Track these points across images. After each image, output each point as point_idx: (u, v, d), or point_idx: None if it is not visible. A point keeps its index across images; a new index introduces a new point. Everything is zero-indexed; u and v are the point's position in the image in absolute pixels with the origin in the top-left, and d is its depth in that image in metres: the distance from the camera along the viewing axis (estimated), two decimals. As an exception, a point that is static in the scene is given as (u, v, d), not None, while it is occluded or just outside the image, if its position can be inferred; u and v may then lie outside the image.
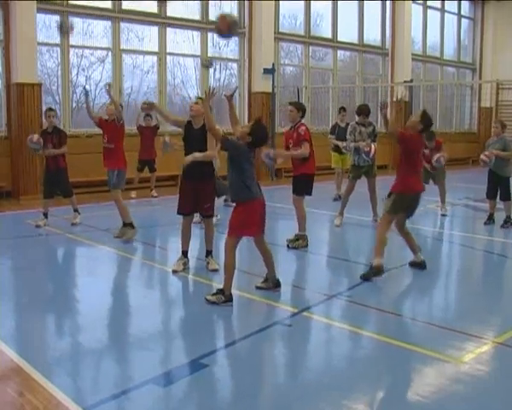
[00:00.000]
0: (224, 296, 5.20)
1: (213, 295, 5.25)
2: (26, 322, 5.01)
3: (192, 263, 6.54)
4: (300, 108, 7.42)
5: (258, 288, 5.63)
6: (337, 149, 11.58)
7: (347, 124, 11.55)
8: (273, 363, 4.21)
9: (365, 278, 5.96)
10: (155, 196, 11.89)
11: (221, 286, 5.29)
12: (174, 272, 6.28)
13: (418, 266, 6.41)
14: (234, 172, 5.27)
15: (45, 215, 8.69)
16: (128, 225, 7.83)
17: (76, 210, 8.95)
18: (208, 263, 6.38)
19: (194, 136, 6.18)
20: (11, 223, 9.43)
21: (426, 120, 6.15)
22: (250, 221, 5.26)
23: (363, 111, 9.11)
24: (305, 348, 4.49)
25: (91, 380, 3.83)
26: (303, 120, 7.45)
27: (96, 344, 4.48)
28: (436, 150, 9.62)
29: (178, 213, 6.40)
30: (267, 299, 5.41)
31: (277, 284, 5.63)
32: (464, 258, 7.69)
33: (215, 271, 6.25)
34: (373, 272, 5.93)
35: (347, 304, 5.41)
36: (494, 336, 4.61)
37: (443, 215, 9.89)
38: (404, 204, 6.12)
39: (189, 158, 5.98)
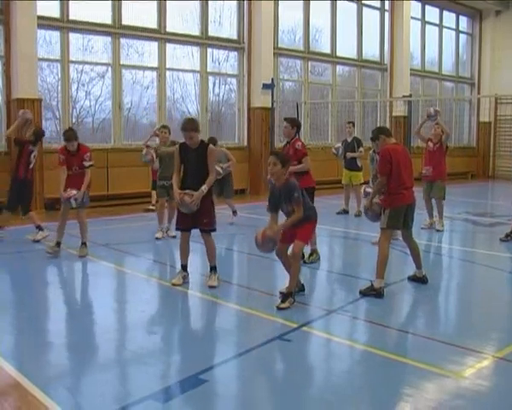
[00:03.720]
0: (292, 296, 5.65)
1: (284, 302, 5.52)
2: (25, 337, 4.99)
3: (192, 278, 6.52)
4: (295, 124, 7.43)
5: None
6: (347, 166, 11.85)
7: (354, 138, 11.77)
8: (273, 378, 4.19)
9: (364, 294, 5.95)
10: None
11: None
12: (174, 285, 6.29)
13: (419, 280, 6.40)
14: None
15: (39, 228, 8.66)
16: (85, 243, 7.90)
17: (38, 227, 8.75)
18: (208, 279, 6.35)
19: (193, 157, 6.18)
20: (11, 238, 9.41)
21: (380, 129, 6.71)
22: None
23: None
24: (305, 363, 4.47)
25: (90, 396, 3.80)
26: (298, 136, 7.49)
27: (95, 360, 4.47)
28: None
29: (177, 228, 6.50)
30: (266, 314, 5.39)
31: (301, 289, 5.95)
32: (464, 272, 7.68)
33: (213, 288, 6.22)
34: (374, 294, 5.90)
35: (347, 319, 5.40)
36: (494, 350, 4.60)
37: (437, 231, 9.79)
38: (399, 217, 6.10)
39: (198, 196, 6.03)
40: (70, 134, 7.84)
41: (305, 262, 7.26)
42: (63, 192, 7.68)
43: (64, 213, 7.87)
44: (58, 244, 7.84)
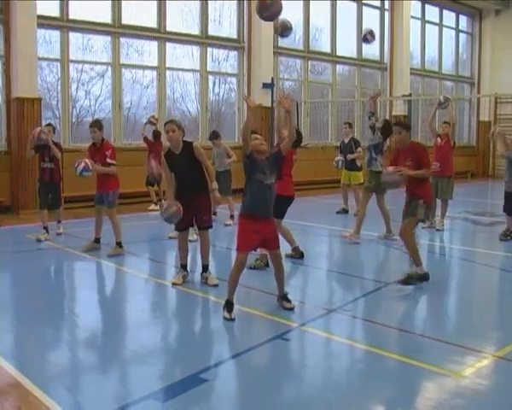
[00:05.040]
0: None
1: None
2: (25, 337, 5.00)
3: (192, 277, 6.53)
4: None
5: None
6: (346, 166, 11.85)
7: (351, 139, 11.76)
8: (272, 378, 4.19)
9: (405, 283, 6.26)
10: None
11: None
12: (174, 284, 6.30)
13: (422, 278, 6.42)
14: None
15: (46, 229, 8.74)
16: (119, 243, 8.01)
17: (59, 221, 9.34)
18: (207, 279, 6.35)
19: (181, 160, 6.15)
20: (11, 237, 9.43)
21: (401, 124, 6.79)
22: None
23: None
24: (305, 362, 4.47)
25: (90, 395, 3.81)
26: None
27: (95, 359, 4.47)
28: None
29: (176, 229, 6.58)
30: (266, 313, 5.39)
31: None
32: (464, 272, 7.68)
33: (215, 286, 6.23)
34: (420, 279, 6.29)
35: (347, 318, 5.40)
36: (494, 350, 4.60)
37: (437, 230, 9.79)
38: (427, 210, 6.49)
39: (216, 196, 6.22)
40: (93, 121, 8.23)
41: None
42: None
43: (97, 212, 8.11)
44: (97, 240, 8.15)
